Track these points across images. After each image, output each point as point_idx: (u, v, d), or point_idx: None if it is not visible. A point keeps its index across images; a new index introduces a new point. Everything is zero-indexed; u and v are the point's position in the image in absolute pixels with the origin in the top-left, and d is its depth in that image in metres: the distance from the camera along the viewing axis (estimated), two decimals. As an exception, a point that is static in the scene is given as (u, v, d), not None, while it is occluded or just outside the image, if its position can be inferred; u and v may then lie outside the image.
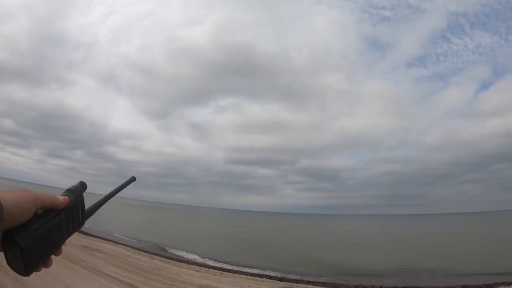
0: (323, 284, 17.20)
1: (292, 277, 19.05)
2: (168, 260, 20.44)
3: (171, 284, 13.42)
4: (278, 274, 19.54)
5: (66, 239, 1.11)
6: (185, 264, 19.85)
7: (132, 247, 23.19)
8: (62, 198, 1.08)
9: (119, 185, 1.36)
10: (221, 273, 17.83)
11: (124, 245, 23.68)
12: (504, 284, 15.58)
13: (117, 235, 31.15)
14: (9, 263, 1.06)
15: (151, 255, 21.11)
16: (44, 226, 1.06)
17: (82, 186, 1.18)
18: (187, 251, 27.18)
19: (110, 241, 24.40)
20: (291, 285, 16.15)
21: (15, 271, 1.06)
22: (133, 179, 1.42)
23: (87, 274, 12.40)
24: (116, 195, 1.34)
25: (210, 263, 22.32)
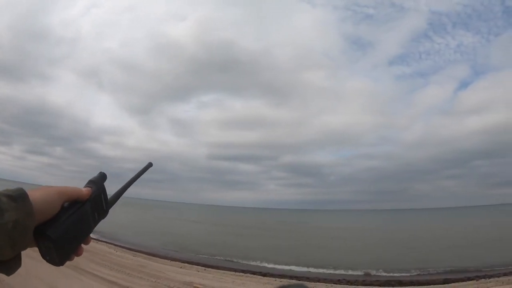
0: (307, 278, 17.44)
1: (275, 272, 19.25)
2: (151, 257, 20.37)
3: (155, 281, 13.40)
4: (262, 270, 19.72)
5: (94, 227, 1.18)
6: (169, 260, 19.84)
7: (115, 245, 23.04)
8: (85, 190, 1.17)
9: (137, 172, 1.40)
10: (205, 269, 17.90)
11: (106, 242, 23.48)
12: (485, 277, 15.96)
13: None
14: (43, 256, 1.12)
15: (134, 252, 21.01)
16: (71, 217, 1.12)
17: (102, 176, 1.24)
18: (170, 248, 27.16)
19: (93, 238, 24.12)
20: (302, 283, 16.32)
21: (50, 263, 1.13)
22: (150, 165, 1.45)
23: (69, 273, 12.27)
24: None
25: (194, 259, 22.31)
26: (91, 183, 1.20)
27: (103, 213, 1.22)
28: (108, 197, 1.26)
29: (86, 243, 1.17)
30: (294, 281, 16.08)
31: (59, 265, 1.13)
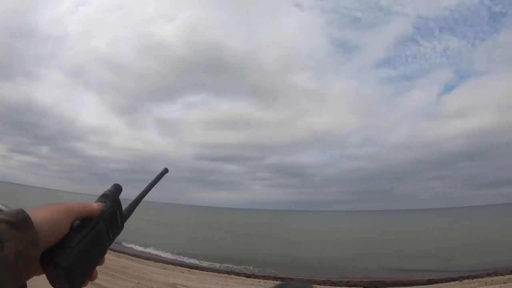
0: (291, 279, 17.48)
1: (259, 273, 19.26)
2: (135, 258, 20.15)
3: (138, 283, 13.28)
4: (246, 271, 19.71)
5: (108, 247, 1.05)
6: (152, 262, 19.66)
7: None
8: (96, 205, 1.03)
9: (152, 179, 1.25)
10: (189, 271, 17.80)
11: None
12: (468, 277, 16.24)
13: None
14: (52, 283, 1.01)
15: (117, 253, 20.75)
16: (84, 240, 1.00)
17: (117, 189, 1.08)
18: (154, 249, 26.93)
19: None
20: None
21: None
22: (166, 171, 1.30)
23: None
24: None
25: (178, 260, 22.20)
26: (104, 197, 1.05)
27: (118, 229, 1.07)
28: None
29: (101, 264, 1.05)
30: (292, 282, 16.09)
31: None
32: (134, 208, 1.14)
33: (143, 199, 1.20)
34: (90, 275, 1.03)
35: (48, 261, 1.00)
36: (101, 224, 1.02)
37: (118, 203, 1.06)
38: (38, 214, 0.99)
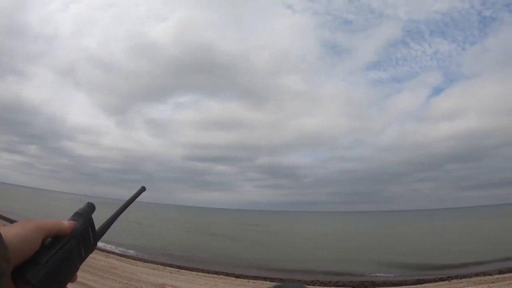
0: (280, 280, 17.51)
1: (248, 274, 19.27)
2: (124, 258, 20.07)
3: (127, 283, 13.24)
4: (235, 271, 19.70)
5: (80, 264, 1.05)
6: (141, 262, 19.59)
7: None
8: (67, 223, 1.04)
9: (129, 197, 1.24)
10: (178, 271, 17.78)
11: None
12: (457, 277, 16.52)
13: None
14: None
15: (106, 254, 20.63)
16: (54, 257, 1.02)
17: (90, 207, 1.07)
18: (143, 249, 26.79)
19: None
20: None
21: None
22: (143, 189, 1.30)
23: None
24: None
25: (167, 261, 22.10)
26: (77, 215, 1.05)
27: (90, 248, 1.06)
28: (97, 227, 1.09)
29: (73, 281, 1.04)
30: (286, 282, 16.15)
31: None
32: (109, 227, 1.13)
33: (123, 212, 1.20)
34: None
35: (19, 276, 1.02)
36: (72, 242, 1.04)
37: (90, 221, 1.06)
38: (9, 231, 1.02)
